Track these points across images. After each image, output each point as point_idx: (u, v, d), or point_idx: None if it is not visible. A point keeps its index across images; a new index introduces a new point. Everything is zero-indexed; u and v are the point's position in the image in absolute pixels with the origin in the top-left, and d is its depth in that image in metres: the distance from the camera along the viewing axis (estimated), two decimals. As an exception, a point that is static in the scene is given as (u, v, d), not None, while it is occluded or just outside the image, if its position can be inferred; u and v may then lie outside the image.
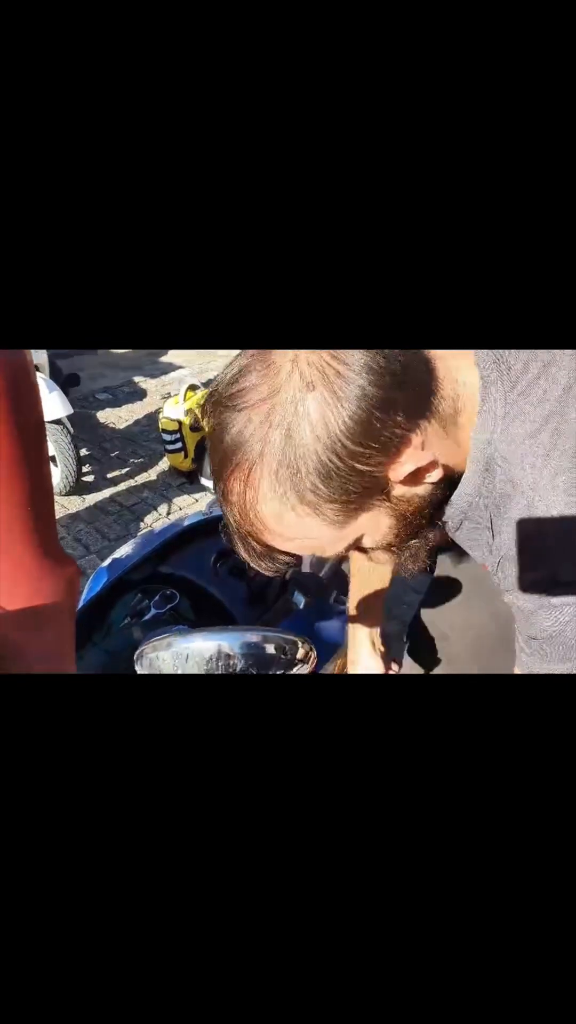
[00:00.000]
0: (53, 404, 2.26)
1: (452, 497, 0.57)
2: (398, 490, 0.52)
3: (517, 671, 0.64)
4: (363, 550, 0.60)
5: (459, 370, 0.52)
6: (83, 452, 2.70)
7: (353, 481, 0.48)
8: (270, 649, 0.38)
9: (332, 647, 1.08)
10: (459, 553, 0.98)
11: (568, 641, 0.56)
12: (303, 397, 0.45)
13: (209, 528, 1.22)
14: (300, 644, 0.39)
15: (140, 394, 3.41)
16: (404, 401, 0.47)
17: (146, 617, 1.03)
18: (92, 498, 2.53)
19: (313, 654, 0.40)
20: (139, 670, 0.39)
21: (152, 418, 3.09)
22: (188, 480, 2.62)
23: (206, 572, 1.11)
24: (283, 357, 0.46)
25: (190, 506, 2.50)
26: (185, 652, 0.37)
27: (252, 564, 0.53)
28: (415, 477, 0.51)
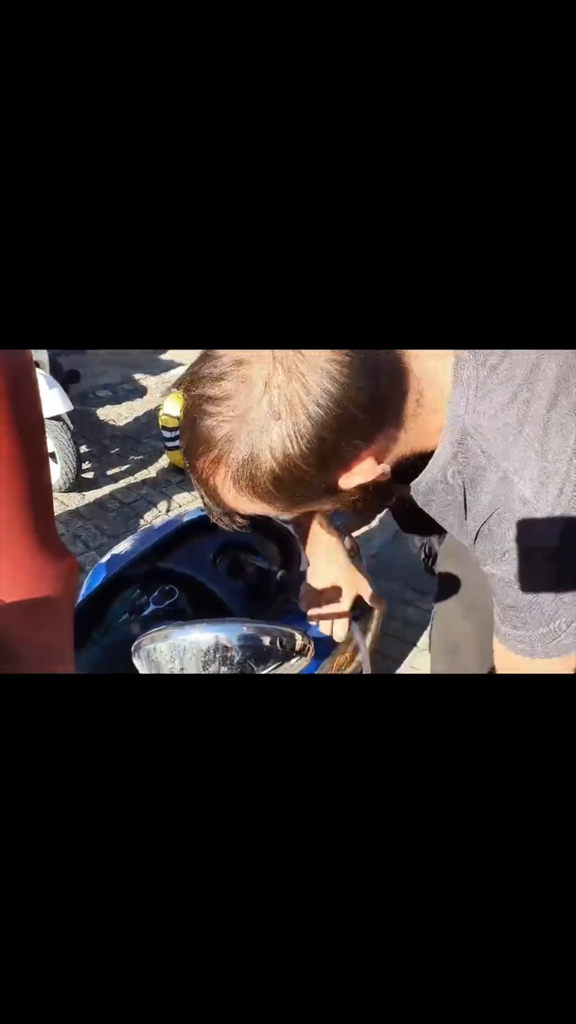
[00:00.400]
0: (53, 400, 2.26)
1: (419, 476, 0.61)
2: (347, 492, 0.56)
3: (496, 641, 0.66)
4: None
5: (430, 358, 0.55)
6: (83, 449, 2.70)
7: (304, 489, 0.53)
8: (267, 641, 0.38)
9: (329, 644, 1.09)
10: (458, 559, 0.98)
11: (544, 607, 0.58)
12: (268, 425, 0.49)
13: (208, 524, 1.22)
14: (297, 637, 0.39)
15: (140, 391, 3.41)
16: (363, 425, 0.51)
17: (145, 612, 1.04)
18: (92, 495, 2.53)
19: (310, 647, 0.40)
20: (136, 663, 0.39)
21: (152, 415, 3.09)
22: (188, 477, 2.62)
23: (205, 568, 1.11)
24: (259, 375, 0.49)
25: (190, 503, 2.50)
26: (183, 644, 0.37)
27: (212, 519, 0.60)
28: (364, 483, 0.55)
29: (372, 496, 0.60)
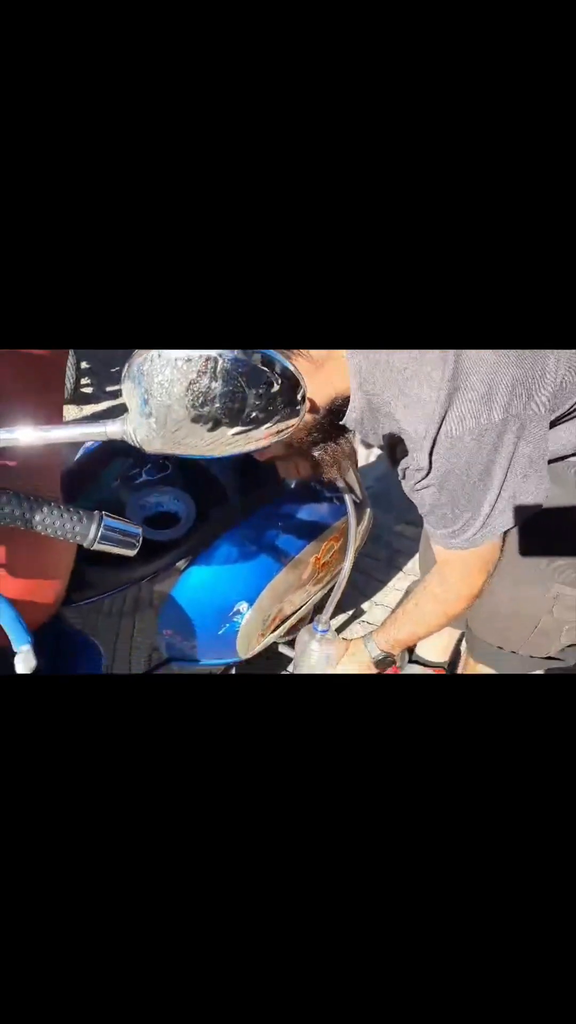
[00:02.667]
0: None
1: (346, 415, 0.76)
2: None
3: (431, 539, 0.84)
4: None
5: None
6: (83, 364, 2.67)
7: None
8: (261, 366, 0.37)
9: (320, 527, 1.09)
10: None
11: (444, 512, 0.75)
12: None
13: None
14: (301, 385, 0.38)
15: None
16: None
17: (137, 481, 1.03)
18: (89, 409, 2.51)
19: (303, 390, 0.40)
20: (127, 387, 0.38)
21: (156, 340, 3.05)
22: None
23: (200, 447, 1.11)
24: None
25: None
26: (174, 355, 0.37)
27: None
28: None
29: (321, 432, 0.76)
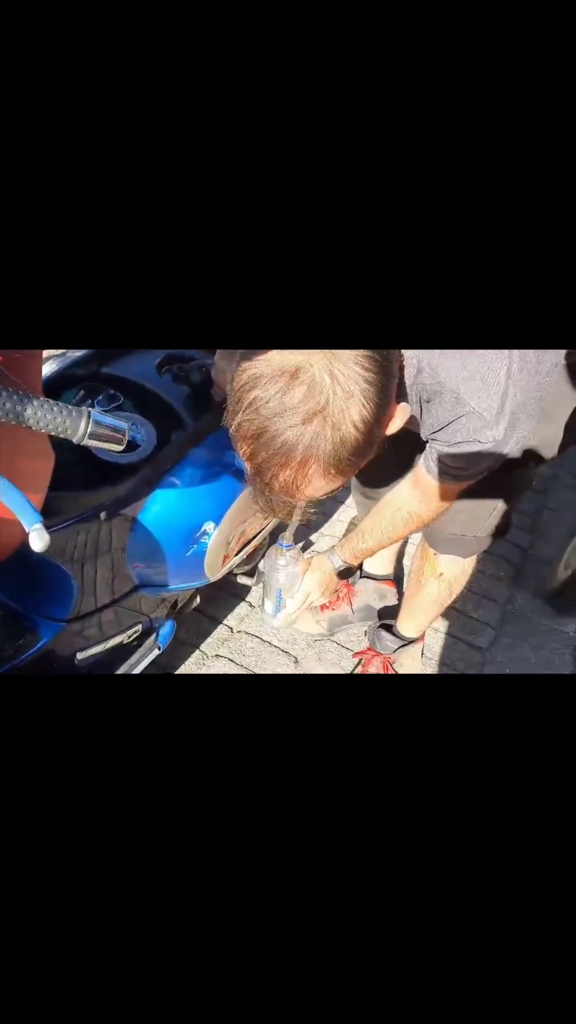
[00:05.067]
0: None
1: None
2: (383, 440, 0.68)
3: (421, 464, 0.88)
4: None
5: None
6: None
7: (371, 448, 0.63)
8: None
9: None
10: None
11: (470, 462, 0.80)
12: (347, 405, 0.57)
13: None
14: None
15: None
16: (392, 385, 0.63)
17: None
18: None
19: None
20: None
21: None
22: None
23: (151, 375, 1.10)
24: (321, 372, 0.56)
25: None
26: None
27: (274, 516, 0.71)
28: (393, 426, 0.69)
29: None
